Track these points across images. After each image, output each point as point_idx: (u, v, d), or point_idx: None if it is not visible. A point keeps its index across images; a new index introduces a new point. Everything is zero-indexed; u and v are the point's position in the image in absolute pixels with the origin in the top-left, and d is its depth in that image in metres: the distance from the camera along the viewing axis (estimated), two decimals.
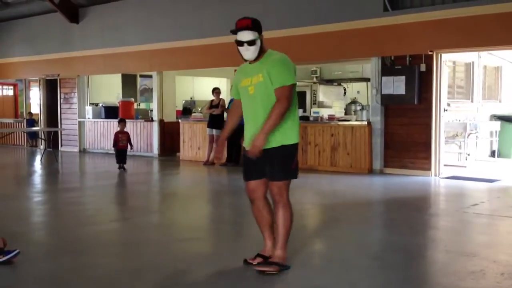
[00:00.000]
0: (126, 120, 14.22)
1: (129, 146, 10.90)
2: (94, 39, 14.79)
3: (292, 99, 4.05)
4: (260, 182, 4.17)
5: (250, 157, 4.06)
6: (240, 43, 4.14)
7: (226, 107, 11.68)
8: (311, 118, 11.89)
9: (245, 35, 4.11)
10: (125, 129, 11.03)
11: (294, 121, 4.10)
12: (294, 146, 4.10)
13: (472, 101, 11.58)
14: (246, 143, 4.17)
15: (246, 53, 4.15)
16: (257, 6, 11.58)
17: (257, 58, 4.13)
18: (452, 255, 4.70)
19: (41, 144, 15.58)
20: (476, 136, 11.18)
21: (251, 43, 4.09)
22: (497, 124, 11.84)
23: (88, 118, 15.28)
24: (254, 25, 4.16)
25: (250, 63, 4.21)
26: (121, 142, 10.73)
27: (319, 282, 4.00)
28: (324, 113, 11.41)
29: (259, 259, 4.24)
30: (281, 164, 4.05)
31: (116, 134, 10.85)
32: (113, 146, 10.93)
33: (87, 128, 15.43)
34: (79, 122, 15.53)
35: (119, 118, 11.69)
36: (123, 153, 10.75)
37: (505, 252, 4.79)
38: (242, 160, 4.32)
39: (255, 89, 4.07)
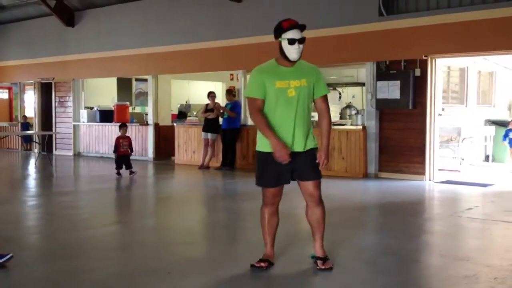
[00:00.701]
0: None
1: (129, 152, 10.56)
2: (89, 42, 14.78)
3: None
4: (281, 189, 4.28)
5: (281, 163, 4.06)
6: (292, 41, 4.09)
7: (222, 111, 11.67)
8: None
9: (298, 33, 4.13)
10: (126, 134, 10.76)
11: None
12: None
13: (466, 106, 11.63)
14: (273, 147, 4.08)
15: (295, 51, 4.09)
16: (252, 11, 11.63)
17: (292, 62, 4.15)
18: (446, 259, 4.72)
19: (36, 148, 15.55)
20: (470, 141, 11.23)
21: (302, 40, 4.12)
22: (491, 129, 11.89)
23: (83, 122, 15.25)
24: (303, 26, 4.22)
25: (280, 65, 4.17)
26: (122, 148, 10.42)
27: (313, 285, 4.00)
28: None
29: (266, 263, 4.28)
30: (317, 164, 4.19)
31: (117, 139, 10.55)
32: (113, 152, 10.61)
33: (82, 131, 15.40)
34: (74, 125, 15.49)
35: (120, 123, 11.40)
36: (125, 159, 10.39)
37: (498, 257, 4.81)
38: (266, 166, 4.18)
39: (296, 92, 4.09)
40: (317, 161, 4.16)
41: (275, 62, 4.20)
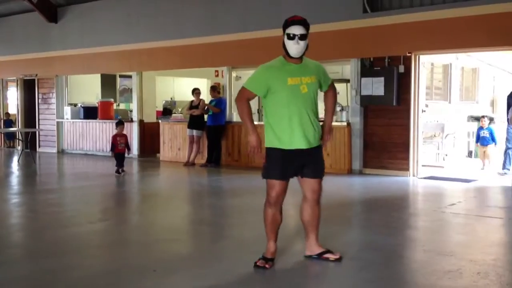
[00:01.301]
0: (107, 121, 14.21)
1: (126, 150, 10.29)
2: (73, 39, 14.66)
3: None
4: (286, 186, 4.29)
5: (296, 159, 4.18)
6: (291, 37, 4.15)
7: (206, 108, 11.66)
8: None
9: (299, 29, 4.18)
10: (121, 132, 10.44)
11: None
12: None
13: (449, 102, 11.73)
14: (299, 143, 4.15)
15: (295, 47, 4.15)
16: (238, 7, 11.61)
17: (299, 59, 4.23)
18: (429, 254, 4.76)
19: (19, 145, 15.39)
20: (454, 137, 11.33)
21: (303, 37, 4.16)
22: (474, 125, 12.00)
23: (67, 119, 15.14)
24: (307, 24, 4.26)
25: (289, 62, 4.21)
26: (120, 146, 10.14)
27: (298, 281, 4.02)
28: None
29: (271, 263, 4.26)
30: (323, 162, 4.38)
31: (114, 137, 10.28)
32: (110, 150, 10.34)
33: (66, 128, 15.28)
34: (58, 122, 15.37)
35: (117, 121, 11.08)
36: (122, 157, 10.19)
37: (481, 251, 4.87)
38: (270, 161, 4.23)
39: (308, 89, 4.20)
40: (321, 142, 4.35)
41: (283, 59, 4.25)
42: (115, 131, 10.59)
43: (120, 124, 10.50)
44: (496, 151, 10.46)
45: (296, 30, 4.16)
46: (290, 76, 4.15)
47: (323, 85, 4.39)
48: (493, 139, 10.40)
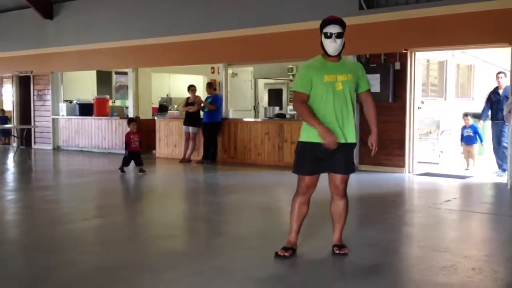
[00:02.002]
0: (103, 118, 14.19)
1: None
2: (68, 35, 14.61)
3: None
4: (316, 180, 4.46)
5: (323, 154, 4.30)
6: (328, 35, 4.31)
7: (202, 105, 11.66)
8: (287, 116, 11.95)
9: (335, 28, 4.32)
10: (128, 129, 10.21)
11: None
12: None
13: (445, 99, 11.74)
14: (320, 138, 4.26)
15: (332, 45, 4.30)
16: (234, 4, 11.60)
17: (337, 58, 4.37)
18: (425, 250, 4.78)
19: (14, 142, 15.35)
20: (449, 134, 11.34)
21: (339, 35, 4.31)
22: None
23: (62, 115, 15.10)
24: (343, 23, 4.40)
25: (327, 60, 4.37)
26: (134, 144, 9.82)
27: (292, 278, 4.03)
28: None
29: (291, 252, 4.45)
30: (353, 159, 4.51)
31: (128, 135, 9.90)
32: (125, 149, 9.94)
33: (61, 125, 15.25)
34: (53, 119, 15.34)
35: (129, 118, 10.69)
36: (137, 155, 9.87)
37: (476, 247, 4.89)
38: (305, 154, 4.39)
39: (343, 86, 4.32)
40: (369, 147, 4.53)
41: (321, 58, 4.42)
42: (119, 128, 10.53)
43: (132, 121, 10.24)
44: (479, 149, 10.32)
45: (333, 29, 4.31)
46: (326, 73, 4.31)
47: (360, 85, 4.49)
48: (479, 138, 10.09)
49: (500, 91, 9.26)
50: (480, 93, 13.15)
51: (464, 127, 10.28)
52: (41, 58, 15.37)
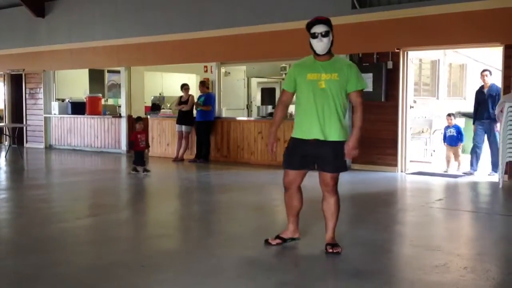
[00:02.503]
0: (95, 117, 14.14)
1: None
2: (60, 33, 14.55)
3: None
4: (302, 173, 4.59)
5: (305, 149, 4.45)
6: (314, 35, 4.41)
7: (195, 103, 11.65)
8: None
9: (321, 27, 4.41)
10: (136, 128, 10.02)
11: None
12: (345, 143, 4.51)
13: (437, 98, 11.80)
14: (306, 134, 4.45)
15: (319, 45, 4.40)
16: (226, 2, 11.58)
17: (326, 57, 4.45)
18: (417, 249, 4.80)
19: (6, 140, 15.27)
20: (441, 133, 11.38)
21: (325, 34, 4.39)
22: (462, 121, 12.07)
23: (54, 114, 15.04)
24: (329, 22, 4.47)
25: (316, 60, 4.47)
26: (141, 143, 9.63)
27: (286, 276, 4.03)
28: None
29: (278, 241, 4.70)
30: (343, 157, 4.47)
31: (135, 135, 9.74)
32: (131, 148, 9.68)
33: (53, 124, 15.19)
34: (45, 118, 15.27)
35: (136, 117, 10.56)
36: (142, 155, 9.71)
37: (468, 246, 4.92)
38: (293, 150, 4.56)
39: (326, 85, 4.39)
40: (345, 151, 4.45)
41: (312, 57, 4.53)
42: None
43: (139, 120, 10.03)
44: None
45: (319, 28, 4.40)
46: (310, 72, 4.44)
47: (348, 85, 4.45)
48: (460, 138, 9.75)
49: (485, 90, 9.12)
50: (472, 92, 13.23)
51: (447, 127, 9.96)
52: (33, 56, 15.29)
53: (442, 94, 11.88)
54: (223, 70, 12.55)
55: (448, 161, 9.72)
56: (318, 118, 4.39)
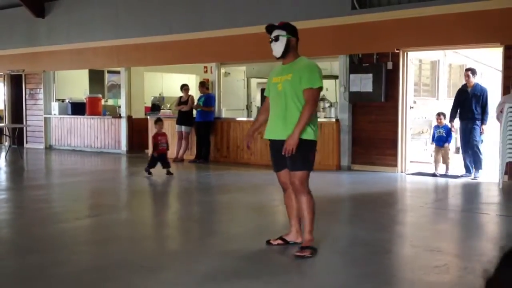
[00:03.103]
0: (95, 117, 14.14)
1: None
2: (60, 34, 14.55)
3: (318, 100, 4.58)
4: (284, 175, 4.62)
5: (276, 150, 4.52)
6: (270, 41, 4.55)
7: (196, 104, 11.66)
8: None
9: (274, 32, 4.54)
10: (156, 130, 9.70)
11: (314, 120, 4.51)
12: (312, 143, 4.49)
13: (437, 99, 11.78)
14: (269, 135, 4.60)
15: (273, 49, 4.52)
16: (226, 3, 11.59)
17: (287, 59, 4.54)
18: (417, 250, 4.80)
19: (6, 141, 15.27)
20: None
21: (276, 38, 4.50)
22: None
23: (54, 115, 15.04)
24: (285, 26, 4.56)
25: (283, 64, 4.59)
26: (161, 146, 9.27)
27: (287, 276, 4.03)
28: None
29: (279, 241, 4.70)
30: (301, 156, 4.42)
31: (155, 137, 9.35)
32: (153, 151, 9.31)
33: (53, 124, 15.19)
34: (45, 118, 15.27)
35: (155, 118, 10.28)
36: (163, 157, 9.34)
37: (468, 247, 4.91)
38: (270, 151, 4.70)
39: (283, 86, 4.46)
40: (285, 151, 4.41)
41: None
42: (153, 130, 9.87)
43: (159, 121, 9.69)
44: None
45: (272, 34, 4.54)
46: (276, 75, 4.59)
47: (301, 84, 4.40)
48: (448, 139, 9.33)
49: (469, 89, 8.92)
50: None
51: (436, 127, 9.52)
52: (33, 56, 15.29)
53: (442, 95, 11.86)
54: (222, 70, 12.55)
55: (436, 163, 9.37)
56: (278, 119, 4.47)
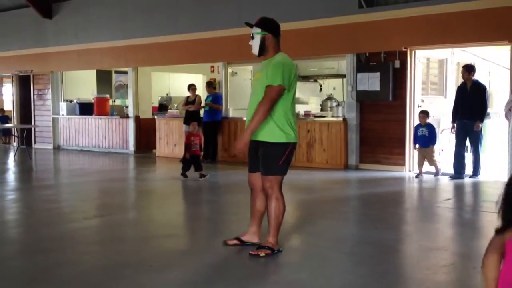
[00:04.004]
0: (102, 117, 14.19)
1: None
2: (68, 34, 14.61)
3: (278, 99, 4.24)
4: (254, 176, 4.51)
5: (251, 150, 4.43)
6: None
7: (202, 104, 11.68)
8: None
9: (252, 29, 4.49)
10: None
11: (284, 121, 4.30)
12: (283, 146, 4.30)
13: (445, 97, 11.73)
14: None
15: (252, 48, 4.48)
16: (232, 3, 11.59)
17: (266, 56, 4.46)
18: (425, 249, 4.78)
19: (14, 141, 15.35)
20: (449, 132, 11.32)
21: (252, 36, 4.47)
22: None
23: (63, 115, 15.10)
24: (261, 22, 4.50)
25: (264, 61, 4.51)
26: (194, 147, 8.91)
27: (295, 276, 4.03)
28: (300, 109, 11.46)
29: (235, 241, 4.64)
30: (270, 161, 4.32)
31: (188, 137, 9.02)
32: (185, 152, 8.96)
33: (62, 124, 15.25)
34: (53, 118, 15.34)
35: (188, 120, 10.02)
36: (196, 159, 8.98)
37: (476, 246, 4.88)
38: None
39: (255, 83, 4.46)
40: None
41: None
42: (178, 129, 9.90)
43: (192, 121, 9.47)
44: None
45: (252, 31, 4.48)
46: (257, 72, 4.56)
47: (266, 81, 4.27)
48: (432, 139, 8.91)
49: (468, 86, 8.70)
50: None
51: (418, 126, 9.06)
52: (41, 57, 15.36)
53: (450, 93, 11.81)
54: (229, 70, 12.56)
55: (420, 165, 8.97)
56: (249, 118, 4.34)
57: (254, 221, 4.61)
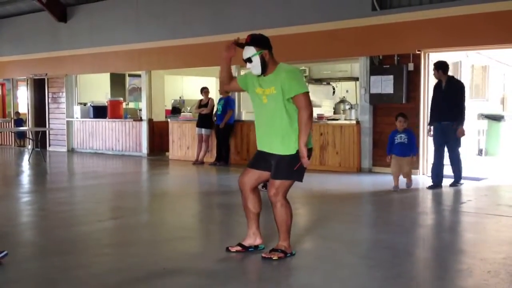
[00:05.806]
0: (116, 120, 14.28)
1: None
2: (82, 38, 14.72)
3: (311, 105, 4.29)
4: (250, 175, 4.50)
5: (264, 157, 4.42)
6: (244, 61, 4.43)
7: (215, 107, 11.71)
8: None
9: (245, 52, 4.41)
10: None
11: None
12: (297, 154, 4.31)
13: None
14: (264, 147, 4.44)
15: (252, 70, 4.39)
16: (246, 6, 11.61)
17: (268, 71, 4.34)
18: (439, 253, 4.75)
19: (29, 144, 15.49)
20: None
21: (248, 60, 4.37)
22: (484, 123, 11.93)
23: (77, 118, 15.21)
24: (253, 41, 4.41)
25: (264, 76, 4.39)
26: None
27: (308, 280, 4.02)
28: (313, 112, 11.42)
29: (237, 248, 4.60)
30: (285, 168, 4.33)
31: None
32: None
33: (76, 127, 15.36)
34: (68, 121, 15.45)
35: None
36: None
37: (491, 250, 4.84)
38: (256, 153, 4.57)
39: (268, 100, 4.32)
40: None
41: None
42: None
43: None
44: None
45: (244, 54, 4.42)
46: (258, 85, 4.40)
47: (286, 93, 4.25)
48: (412, 148, 7.87)
49: (443, 85, 8.03)
50: (494, 94, 13.06)
51: (395, 132, 7.96)
52: (55, 61, 15.49)
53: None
54: (242, 73, 12.57)
55: (396, 176, 7.95)
56: (263, 133, 4.39)
57: (251, 223, 4.62)
